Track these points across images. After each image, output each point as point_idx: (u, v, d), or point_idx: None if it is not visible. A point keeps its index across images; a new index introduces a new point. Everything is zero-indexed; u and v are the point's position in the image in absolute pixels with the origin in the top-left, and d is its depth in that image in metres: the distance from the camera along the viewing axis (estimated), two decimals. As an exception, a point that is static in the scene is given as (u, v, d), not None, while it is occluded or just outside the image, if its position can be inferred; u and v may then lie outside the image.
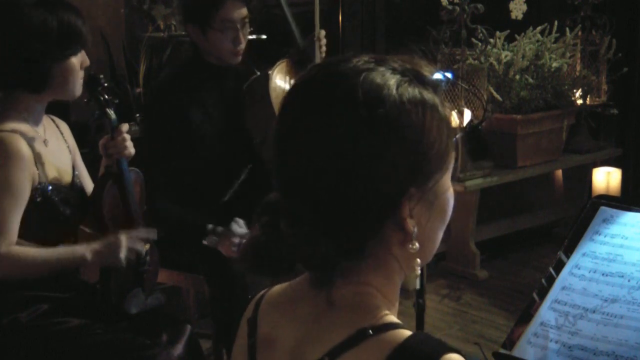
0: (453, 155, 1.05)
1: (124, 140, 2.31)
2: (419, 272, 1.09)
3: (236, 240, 2.63)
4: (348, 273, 1.03)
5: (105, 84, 2.36)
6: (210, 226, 2.66)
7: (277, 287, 1.14)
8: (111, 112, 2.32)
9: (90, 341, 2.16)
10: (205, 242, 2.66)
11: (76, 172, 2.36)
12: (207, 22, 2.71)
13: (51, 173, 2.23)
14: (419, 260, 1.04)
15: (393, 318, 1.02)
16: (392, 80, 1.00)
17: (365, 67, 1.01)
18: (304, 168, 1.00)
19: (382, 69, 1.01)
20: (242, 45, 2.76)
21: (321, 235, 0.99)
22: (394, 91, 0.99)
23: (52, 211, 2.21)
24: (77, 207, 2.28)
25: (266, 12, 4.43)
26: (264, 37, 3.15)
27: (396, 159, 0.98)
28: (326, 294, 1.03)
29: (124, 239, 2.21)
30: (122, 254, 2.20)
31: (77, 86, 2.25)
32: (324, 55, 2.97)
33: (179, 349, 2.22)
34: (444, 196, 1.05)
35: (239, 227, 2.64)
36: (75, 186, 2.32)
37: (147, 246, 2.38)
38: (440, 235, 1.08)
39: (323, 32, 2.95)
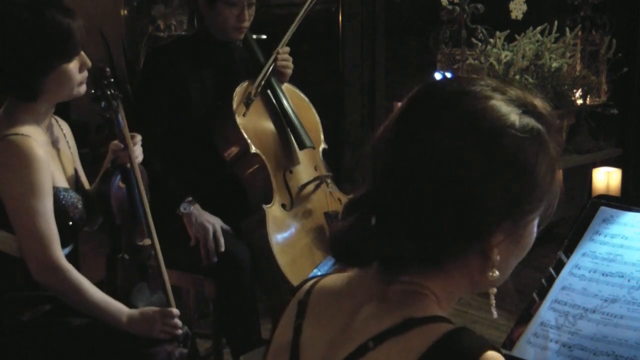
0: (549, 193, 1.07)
1: (135, 150, 2.36)
2: (494, 298, 1.13)
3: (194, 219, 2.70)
4: (416, 277, 1.06)
5: (112, 79, 2.35)
6: (190, 198, 2.74)
7: (333, 277, 1.18)
8: (120, 114, 2.33)
9: (91, 341, 2.16)
10: (180, 210, 2.71)
11: (78, 174, 2.35)
12: None
13: (60, 176, 2.22)
14: (495, 289, 1.09)
15: (441, 313, 1.06)
16: (514, 114, 1.04)
17: (489, 94, 1.05)
18: (412, 176, 1.02)
19: (505, 98, 1.05)
20: (246, 24, 2.86)
21: (406, 238, 1.02)
22: (516, 124, 1.03)
23: (64, 215, 2.18)
24: (83, 209, 2.26)
25: (266, 12, 4.43)
26: (264, 37, 3.15)
27: (501, 192, 1.01)
28: (383, 289, 1.07)
29: (159, 323, 2.19)
30: (154, 334, 2.19)
31: (77, 89, 2.18)
32: (286, 71, 2.96)
33: (178, 348, 2.22)
34: (531, 233, 1.09)
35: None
36: (79, 188, 2.31)
37: (149, 242, 2.38)
38: (514, 265, 1.11)
39: (287, 49, 2.96)
